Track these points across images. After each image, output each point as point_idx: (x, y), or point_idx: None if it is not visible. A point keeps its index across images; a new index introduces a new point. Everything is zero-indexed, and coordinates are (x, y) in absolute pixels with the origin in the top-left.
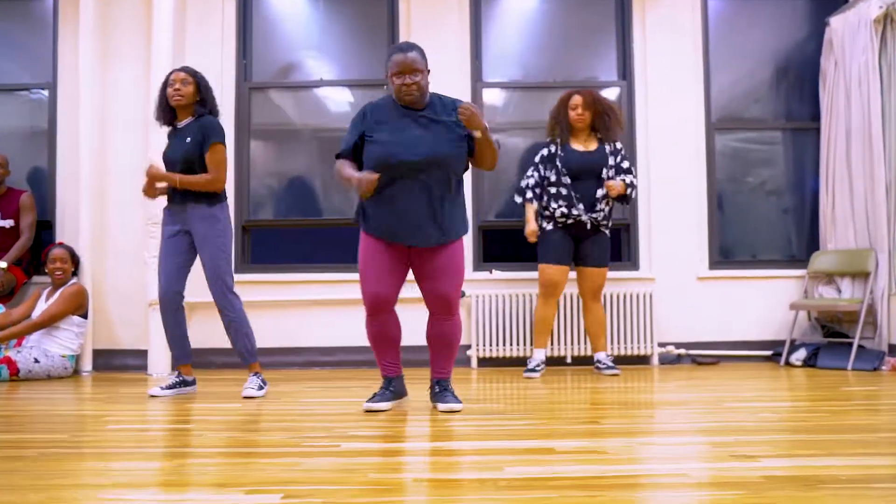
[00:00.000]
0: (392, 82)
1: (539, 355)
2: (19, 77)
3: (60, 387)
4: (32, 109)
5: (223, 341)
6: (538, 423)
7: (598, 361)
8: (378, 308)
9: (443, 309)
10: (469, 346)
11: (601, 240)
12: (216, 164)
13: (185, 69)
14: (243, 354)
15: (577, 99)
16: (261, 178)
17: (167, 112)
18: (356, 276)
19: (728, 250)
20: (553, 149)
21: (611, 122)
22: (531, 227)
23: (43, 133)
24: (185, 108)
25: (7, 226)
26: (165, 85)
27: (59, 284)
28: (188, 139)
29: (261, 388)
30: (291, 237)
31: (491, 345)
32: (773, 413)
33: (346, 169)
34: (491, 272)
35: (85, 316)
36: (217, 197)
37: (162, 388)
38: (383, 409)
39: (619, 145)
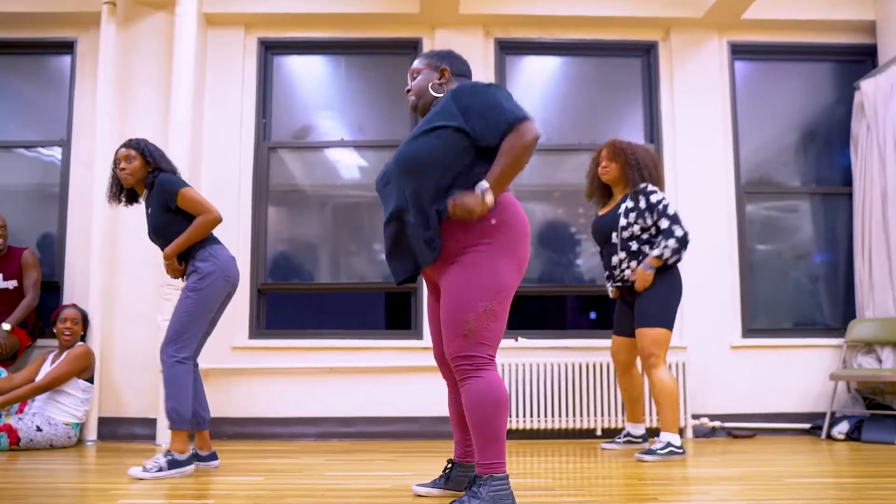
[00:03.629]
0: None
1: (628, 427)
2: (32, 136)
3: (64, 457)
4: (44, 169)
5: (236, 410)
6: (594, 499)
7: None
8: (442, 372)
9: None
10: None
11: (642, 299)
12: (194, 204)
13: (128, 144)
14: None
15: (602, 152)
16: (277, 239)
17: (125, 191)
18: (375, 342)
19: (761, 318)
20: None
21: (641, 167)
22: None
23: (53, 193)
24: (140, 183)
25: (10, 286)
26: (115, 164)
27: (65, 346)
28: (149, 209)
29: (159, 469)
30: (308, 302)
31: (518, 416)
32: (844, 490)
33: None
34: (517, 339)
35: (91, 380)
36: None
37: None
38: (424, 495)
39: (653, 199)
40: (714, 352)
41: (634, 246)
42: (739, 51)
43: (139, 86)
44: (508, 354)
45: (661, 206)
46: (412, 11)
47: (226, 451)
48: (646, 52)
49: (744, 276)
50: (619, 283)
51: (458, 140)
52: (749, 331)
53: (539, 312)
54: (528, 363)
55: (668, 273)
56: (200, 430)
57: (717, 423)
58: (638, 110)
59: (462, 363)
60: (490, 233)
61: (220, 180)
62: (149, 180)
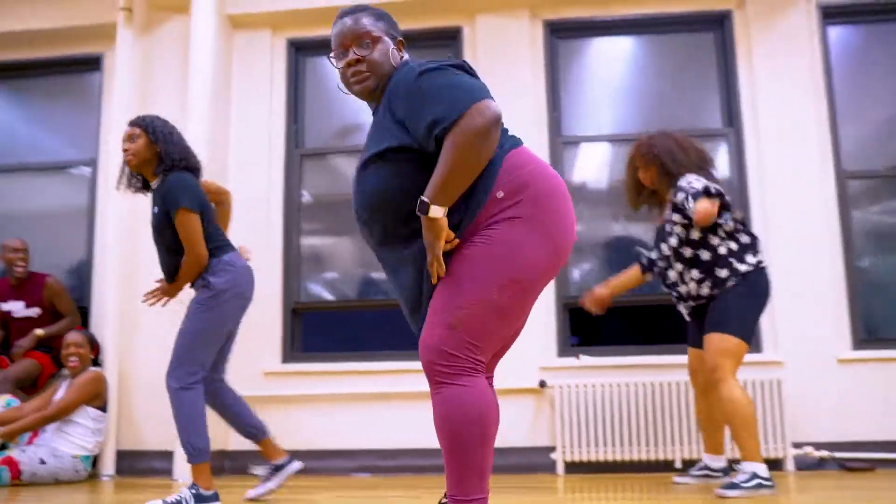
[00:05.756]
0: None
1: (705, 458)
2: (65, 155)
3: (65, 494)
4: (77, 188)
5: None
6: None
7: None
8: None
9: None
10: (553, 449)
11: (714, 304)
12: (186, 237)
13: (134, 121)
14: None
15: (631, 154)
16: (313, 254)
17: (135, 177)
18: (420, 365)
19: (875, 326)
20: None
21: (673, 162)
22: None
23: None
24: (146, 166)
25: (34, 314)
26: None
27: (74, 373)
28: (155, 208)
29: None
30: (345, 322)
31: (580, 446)
32: None
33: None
34: (578, 357)
35: (103, 409)
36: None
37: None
38: None
39: (679, 196)
40: (817, 367)
41: (688, 252)
42: (832, 13)
43: (160, 96)
44: (566, 375)
45: (688, 192)
46: None
47: (246, 486)
48: (718, 24)
49: (851, 278)
50: (689, 301)
51: (413, 162)
52: (861, 341)
53: (603, 326)
54: (589, 384)
55: (746, 278)
56: (261, 439)
57: (825, 453)
58: (713, 92)
59: (438, 363)
60: (501, 209)
61: (249, 192)
62: (160, 169)
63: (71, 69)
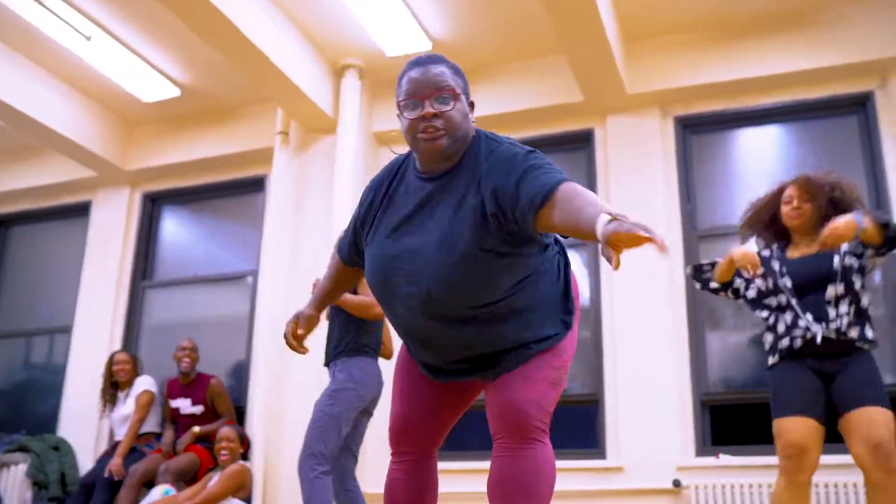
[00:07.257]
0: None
1: None
2: (233, 267)
3: None
4: (242, 297)
5: None
6: None
7: None
8: (399, 441)
9: (509, 427)
10: None
11: (857, 364)
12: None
13: None
14: None
15: (790, 191)
16: None
17: None
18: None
19: None
20: (767, 252)
21: (852, 200)
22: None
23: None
24: None
25: (197, 412)
26: None
27: (224, 466)
28: None
29: None
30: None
31: None
32: None
33: (323, 281)
34: (718, 456)
35: (248, 500)
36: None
37: None
38: None
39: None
40: None
41: (858, 283)
42: None
43: (312, 210)
44: (705, 475)
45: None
46: (575, 101)
47: None
48: (860, 106)
49: None
50: (832, 325)
51: (501, 256)
52: None
53: (744, 423)
54: (728, 484)
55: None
56: None
57: None
58: (859, 177)
59: (539, 419)
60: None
61: None
62: None
63: (238, 190)
